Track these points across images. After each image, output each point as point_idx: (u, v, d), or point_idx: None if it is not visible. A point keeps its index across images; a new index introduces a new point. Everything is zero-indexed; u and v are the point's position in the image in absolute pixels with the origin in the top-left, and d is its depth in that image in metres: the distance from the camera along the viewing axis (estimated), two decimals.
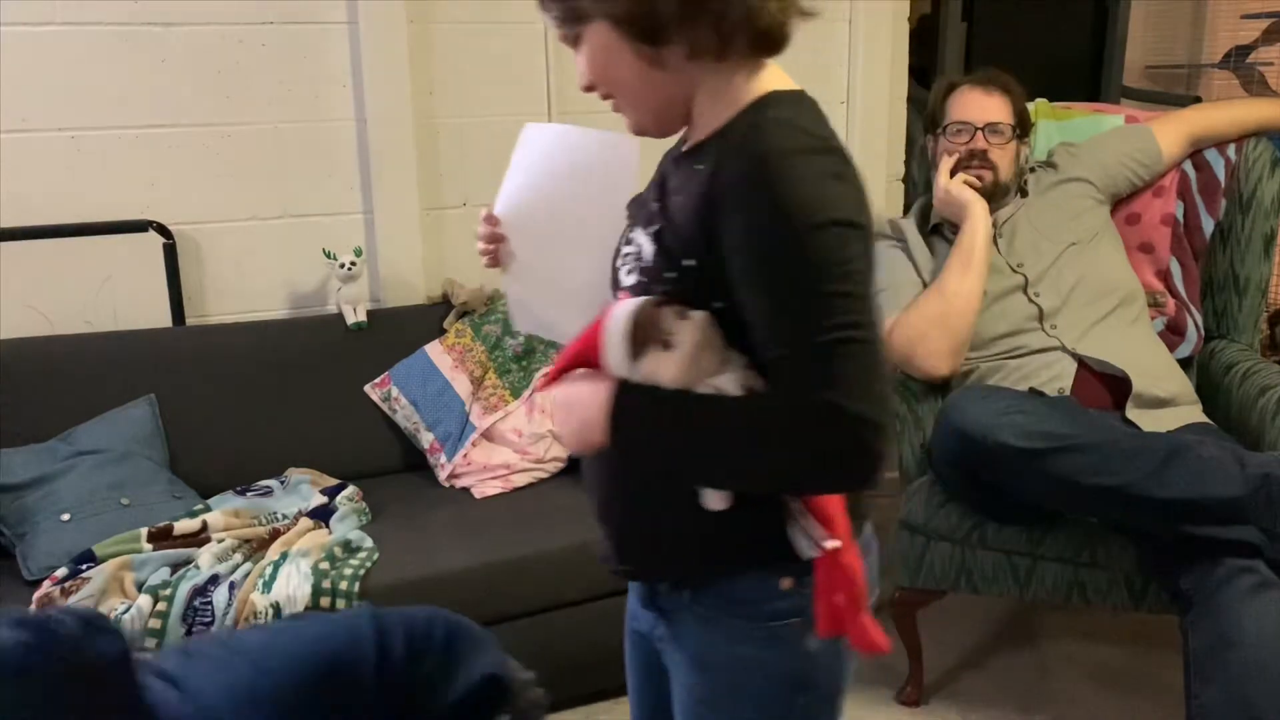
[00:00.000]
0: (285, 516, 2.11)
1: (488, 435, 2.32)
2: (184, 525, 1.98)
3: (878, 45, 2.92)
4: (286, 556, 1.90)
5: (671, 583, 1.09)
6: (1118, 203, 2.40)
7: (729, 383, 0.95)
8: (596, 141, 1.18)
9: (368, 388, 2.41)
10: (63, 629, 0.94)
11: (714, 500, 0.99)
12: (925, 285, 2.25)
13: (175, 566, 1.89)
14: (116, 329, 2.33)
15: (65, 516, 1.97)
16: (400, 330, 2.47)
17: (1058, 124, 2.55)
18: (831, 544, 0.98)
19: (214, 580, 1.83)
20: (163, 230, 2.35)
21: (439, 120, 2.56)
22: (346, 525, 2.05)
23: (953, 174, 2.27)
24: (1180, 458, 1.79)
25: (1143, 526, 1.89)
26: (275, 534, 2.02)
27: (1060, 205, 2.31)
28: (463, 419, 2.34)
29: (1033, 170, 2.39)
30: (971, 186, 2.25)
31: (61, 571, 1.83)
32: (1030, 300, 2.20)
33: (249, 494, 2.18)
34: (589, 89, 1.05)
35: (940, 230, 2.35)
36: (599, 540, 1.13)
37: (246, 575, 1.84)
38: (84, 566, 1.84)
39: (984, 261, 2.17)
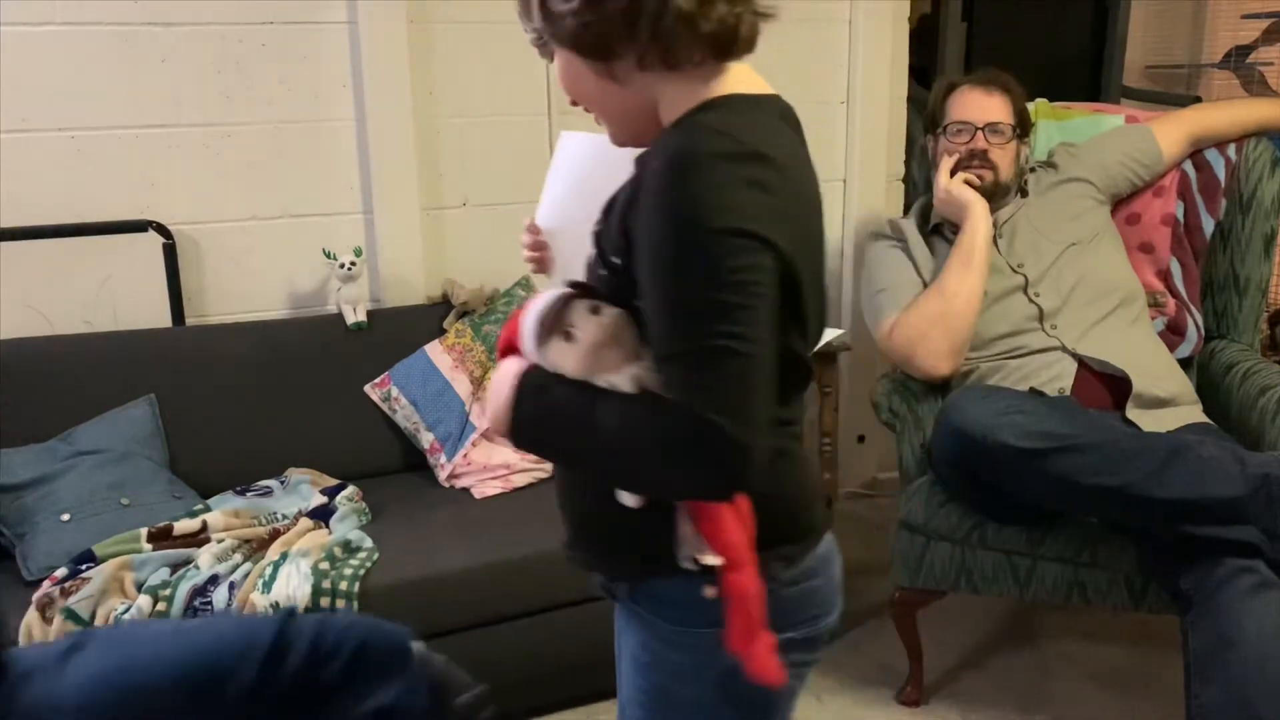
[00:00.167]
0: (285, 516, 2.10)
1: (488, 435, 2.32)
2: (184, 525, 1.98)
3: (878, 45, 2.92)
4: (286, 556, 1.90)
5: (608, 577, 1.10)
6: (1118, 203, 2.41)
7: (624, 379, 0.95)
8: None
9: (368, 388, 2.41)
10: None
11: (626, 497, 0.99)
12: (925, 285, 2.25)
13: (175, 566, 1.89)
14: (116, 329, 2.33)
15: (65, 516, 1.97)
16: (400, 330, 2.47)
17: (1058, 124, 2.55)
18: (708, 560, 0.96)
19: (214, 580, 1.84)
20: (162, 230, 2.35)
21: (439, 120, 2.55)
22: (346, 525, 2.05)
23: (953, 174, 2.28)
24: (1180, 458, 1.79)
25: (1143, 526, 1.89)
26: (275, 534, 2.02)
27: (1060, 205, 2.32)
28: (463, 419, 2.34)
29: (1033, 170, 2.39)
30: (972, 186, 2.25)
31: (61, 572, 1.83)
32: (1030, 300, 2.20)
33: (249, 494, 2.18)
34: (574, 104, 1.07)
35: (940, 230, 2.35)
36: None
37: (246, 575, 1.85)
38: (84, 566, 1.84)
39: (984, 261, 2.17)
